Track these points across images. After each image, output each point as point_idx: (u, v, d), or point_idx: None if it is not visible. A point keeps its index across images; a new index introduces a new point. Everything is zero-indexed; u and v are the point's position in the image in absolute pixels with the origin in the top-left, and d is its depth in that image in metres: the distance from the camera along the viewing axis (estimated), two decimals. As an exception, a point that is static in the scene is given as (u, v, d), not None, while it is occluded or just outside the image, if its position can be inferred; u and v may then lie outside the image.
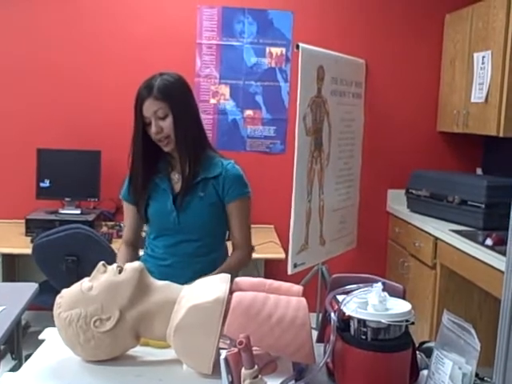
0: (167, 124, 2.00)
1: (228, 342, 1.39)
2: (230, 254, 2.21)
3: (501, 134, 3.50)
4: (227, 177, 2.10)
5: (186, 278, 1.72)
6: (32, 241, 3.42)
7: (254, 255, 3.60)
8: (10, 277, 3.96)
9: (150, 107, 1.98)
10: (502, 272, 2.62)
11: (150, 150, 2.08)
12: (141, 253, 2.28)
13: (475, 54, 3.79)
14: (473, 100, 3.82)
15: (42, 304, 2.76)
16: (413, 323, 1.28)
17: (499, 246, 3.02)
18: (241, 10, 4.24)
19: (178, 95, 2.03)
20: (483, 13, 3.72)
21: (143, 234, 2.31)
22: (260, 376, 1.17)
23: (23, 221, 3.81)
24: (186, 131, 2.04)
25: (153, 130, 2.00)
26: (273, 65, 4.31)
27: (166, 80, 2.02)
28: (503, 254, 2.68)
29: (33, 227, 3.74)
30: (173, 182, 2.12)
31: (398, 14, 4.36)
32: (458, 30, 4.10)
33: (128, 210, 2.21)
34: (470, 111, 3.86)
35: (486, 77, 3.64)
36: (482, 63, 3.70)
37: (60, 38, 4.15)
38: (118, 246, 2.29)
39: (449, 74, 4.25)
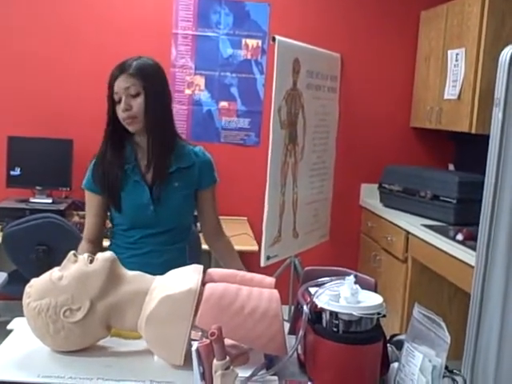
0: (137, 103, 1.94)
1: (200, 333, 1.39)
2: (217, 244, 2.24)
3: (473, 131, 3.55)
4: (202, 164, 2.10)
5: (158, 266, 1.69)
6: (2, 230, 3.37)
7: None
8: (-21, 266, 3.90)
9: (122, 83, 1.93)
10: (472, 267, 2.66)
11: (118, 134, 2.02)
12: (106, 243, 2.18)
13: (449, 52, 3.83)
14: (446, 97, 3.86)
15: (12, 293, 2.73)
16: (384, 316, 1.29)
17: (470, 241, 3.06)
18: (217, 0, 4.22)
19: (153, 76, 1.99)
20: (458, 10, 3.76)
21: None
22: (232, 367, 1.17)
23: (-7, 209, 3.75)
24: (156, 114, 1.98)
25: (122, 106, 1.94)
26: (248, 57, 4.30)
27: (143, 60, 1.99)
28: (473, 248, 2.72)
29: (3, 216, 3.67)
30: (143, 173, 2.04)
31: (375, 9, 4.38)
32: (433, 27, 4.13)
33: (92, 202, 2.08)
34: (443, 108, 3.90)
35: (460, 74, 3.68)
36: (456, 60, 3.73)
37: (32, 24, 4.08)
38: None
39: (423, 71, 4.28)
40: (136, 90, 1.94)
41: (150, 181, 2.04)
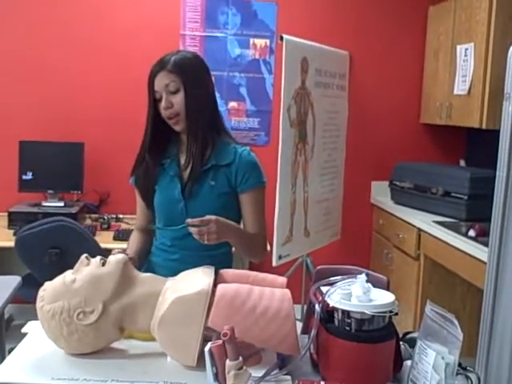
0: (178, 100, 1.88)
1: (212, 333, 1.39)
2: None
3: (483, 126, 3.53)
4: (241, 165, 1.96)
5: None
6: (15, 234, 3.38)
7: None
8: (-7, 270, 3.92)
9: (162, 80, 1.88)
10: (485, 263, 2.64)
11: (160, 131, 1.96)
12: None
13: (458, 47, 3.81)
14: (456, 92, 3.84)
15: (25, 297, 2.74)
16: (396, 314, 1.28)
17: (482, 237, 3.05)
18: (224, 0, 4.22)
19: (192, 71, 1.94)
20: (466, 5, 3.74)
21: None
22: (244, 367, 1.17)
23: (6, 214, 3.77)
24: (197, 110, 1.91)
25: (162, 104, 1.89)
26: (257, 56, 4.30)
27: (182, 55, 1.94)
28: (486, 245, 2.69)
29: (16, 220, 3.70)
30: (181, 168, 1.99)
31: (382, 6, 4.37)
32: (442, 22, 4.11)
33: (139, 196, 2.08)
34: (453, 103, 3.88)
35: (469, 69, 3.66)
36: (465, 55, 3.71)
37: (42, 30, 4.10)
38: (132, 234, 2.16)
39: (432, 67, 4.26)
40: (176, 87, 1.89)
41: (185, 177, 1.97)
